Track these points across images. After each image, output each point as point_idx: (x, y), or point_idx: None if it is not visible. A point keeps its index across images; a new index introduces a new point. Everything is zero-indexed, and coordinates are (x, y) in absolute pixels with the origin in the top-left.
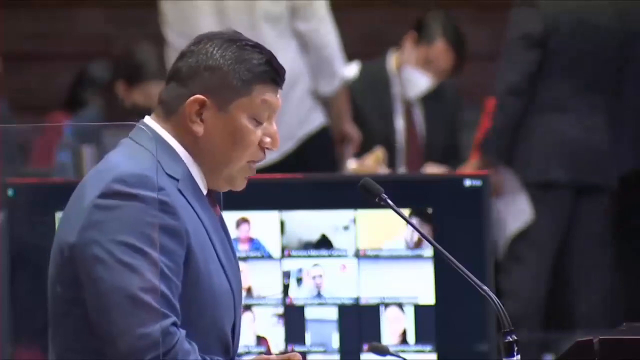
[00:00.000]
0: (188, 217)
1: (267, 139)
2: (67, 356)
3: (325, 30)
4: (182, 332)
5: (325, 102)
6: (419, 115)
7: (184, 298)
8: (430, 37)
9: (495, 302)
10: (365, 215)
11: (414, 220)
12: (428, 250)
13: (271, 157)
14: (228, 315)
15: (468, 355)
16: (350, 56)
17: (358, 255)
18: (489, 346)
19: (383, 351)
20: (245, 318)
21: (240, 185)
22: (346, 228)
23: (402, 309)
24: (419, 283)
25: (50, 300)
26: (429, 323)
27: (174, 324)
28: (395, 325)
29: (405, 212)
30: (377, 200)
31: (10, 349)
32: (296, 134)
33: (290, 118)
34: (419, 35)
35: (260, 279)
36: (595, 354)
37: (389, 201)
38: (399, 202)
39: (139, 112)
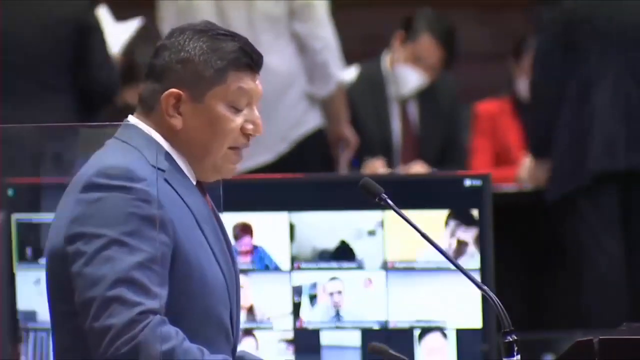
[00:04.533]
0: (174, 207)
1: (250, 126)
2: (67, 356)
3: (323, 32)
4: (157, 318)
5: (323, 104)
6: (414, 115)
7: (176, 288)
8: (416, 33)
9: (495, 302)
10: (396, 218)
11: (454, 223)
12: (473, 261)
13: (265, 158)
14: (223, 303)
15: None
16: (350, 57)
17: (386, 267)
18: (489, 346)
19: (383, 351)
20: (247, 345)
21: (228, 173)
22: (372, 233)
23: (444, 335)
24: (461, 302)
25: (49, 300)
26: (475, 350)
27: (145, 311)
28: (436, 356)
29: (443, 213)
30: (377, 200)
31: (10, 349)
32: (290, 136)
33: (285, 119)
34: (406, 33)
35: (264, 296)
36: (595, 354)
37: (389, 201)
38: (399, 202)
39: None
